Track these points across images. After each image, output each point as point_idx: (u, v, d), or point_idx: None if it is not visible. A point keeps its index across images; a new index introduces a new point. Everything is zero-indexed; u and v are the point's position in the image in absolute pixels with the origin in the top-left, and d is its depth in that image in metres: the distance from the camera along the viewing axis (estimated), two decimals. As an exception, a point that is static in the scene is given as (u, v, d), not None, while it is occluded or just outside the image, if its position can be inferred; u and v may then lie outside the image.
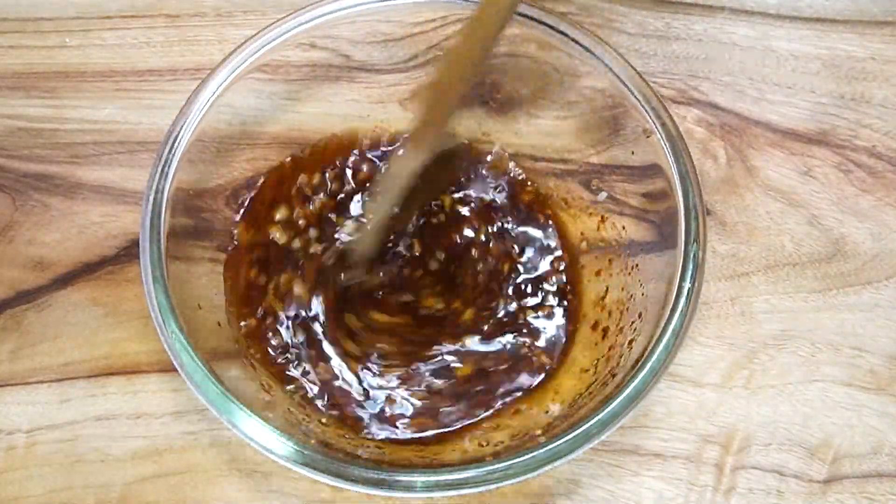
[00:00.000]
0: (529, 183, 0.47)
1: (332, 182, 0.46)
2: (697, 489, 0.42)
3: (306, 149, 0.46)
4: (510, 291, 0.45)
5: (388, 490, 0.33)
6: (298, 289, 0.43)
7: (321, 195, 0.46)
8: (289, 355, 0.42)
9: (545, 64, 0.44)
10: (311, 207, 0.45)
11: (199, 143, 0.39)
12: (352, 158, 0.46)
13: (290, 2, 0.44)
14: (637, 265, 0.42)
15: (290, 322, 0.43)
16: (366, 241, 0.43)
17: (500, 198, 0.47)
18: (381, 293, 0.45)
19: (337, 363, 0.42)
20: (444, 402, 0.42)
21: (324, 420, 0.42)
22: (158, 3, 0.53)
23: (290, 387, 0.42)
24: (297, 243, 0.45)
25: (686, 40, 0.53)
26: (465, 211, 0.46)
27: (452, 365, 0.43)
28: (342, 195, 0.46)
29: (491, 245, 0.46)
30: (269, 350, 0.42)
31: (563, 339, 0.44)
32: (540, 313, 0.44)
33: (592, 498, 0.42)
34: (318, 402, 0.42)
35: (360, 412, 0.42)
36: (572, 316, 0.44)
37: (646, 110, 0.39)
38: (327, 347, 0.42)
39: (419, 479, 0.33)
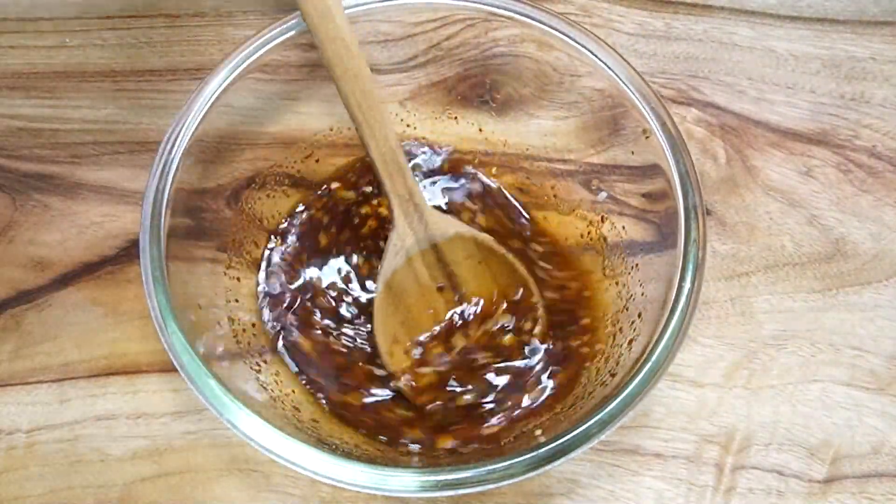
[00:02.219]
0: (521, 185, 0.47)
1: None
2: (697, 489, 0.42)
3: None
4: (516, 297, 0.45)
5: (389, 489, 0.33)
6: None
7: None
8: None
9: (545, 64, 0.44)
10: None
11: (199, 143, 0.39)
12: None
13: (290, 2, 0.44)
14: (637, 265, 0.42)
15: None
16: None
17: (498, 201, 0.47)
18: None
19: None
20: (453, 412, 0.42)
21: (326, 422, 0.42)
22: (158, 3, 0.53)
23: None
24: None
25: (686, 40, 0.53)
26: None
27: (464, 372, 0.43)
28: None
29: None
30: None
31: (565, 340, 0.44)
32: (543, 314, 0.44)
33: (592, 498, 0.42)
34: (322, 402, 0.42)
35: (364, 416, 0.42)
36: (573, 316, 0.44)
37: (645, 110, 0.39)
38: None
39: (419, 478, 0.33)
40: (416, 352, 0.43)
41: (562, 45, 0.41)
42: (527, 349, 0.43)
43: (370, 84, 0.37)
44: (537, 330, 0.43)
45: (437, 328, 0.43)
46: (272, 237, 0.45)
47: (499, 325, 0.43)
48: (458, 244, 0.43)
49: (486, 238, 0.43)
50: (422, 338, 0.43)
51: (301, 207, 0.46)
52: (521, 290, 0.43)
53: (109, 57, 0.52)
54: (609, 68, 0.40)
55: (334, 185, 0.47)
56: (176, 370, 0.34)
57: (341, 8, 0.35)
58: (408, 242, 0.42)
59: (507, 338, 0.43)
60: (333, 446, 0.38)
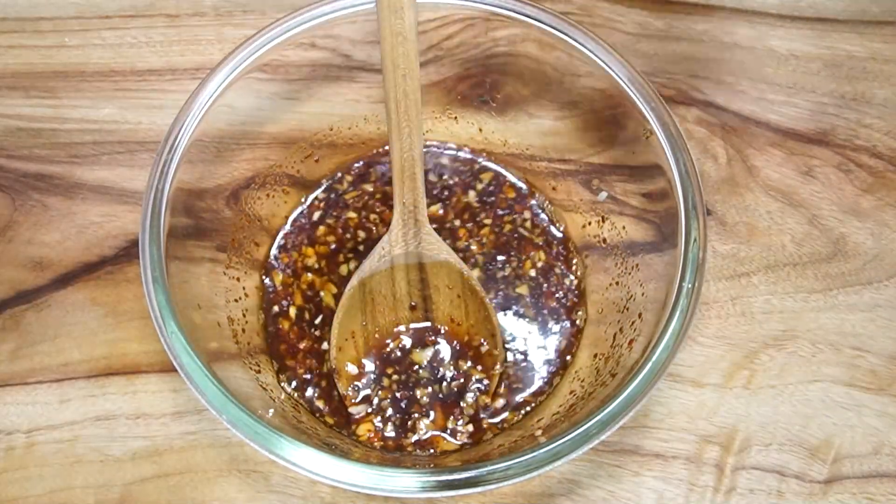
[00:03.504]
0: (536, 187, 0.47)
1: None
2: (698, 489, 0.42)
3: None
4: (521, 293, 0.45)
5: (389, 490, 0.33)
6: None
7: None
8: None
9: (545, 64, 0.44)
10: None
11: (199, 143, 0.39)
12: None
13: (290, 2, 0.44)
14: (637, 265, 0.42)
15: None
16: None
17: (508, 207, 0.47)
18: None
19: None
20: (450, 411, 0.42)
21: (326, 420, 0.42)
22: (158, 3, 0.53)
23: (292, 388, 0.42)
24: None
25: (686, 40, 0.53)
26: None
27: (459, 379, 0.43)
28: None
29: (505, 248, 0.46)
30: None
31: (566, 340, 0.44)
32: (545, 314, 0.44)
33: (592, 498, 0.42)
34: (319, 403, 0.42)
35: (363, 415, 0.42)
36: (575, 316, 0.44)
37: (646, 110, 0.39)
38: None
39: (419, 478, 0.33)
40: (366, 361, 0.43)
41: (562, 45, 0.41)
42: (467, 399, 0.42)
43: (415, 89, 0.37)
44: (486, 385, 0.43)
45: (394, 346, 0.43)
46: (276, 239, 0.46)
47: (451, 371, 0.43)
48: (444, 271, 0.42)
49: (472, 276, 0.43)
50: (375, 350, 0.43)
51: (302, 208, 0.47)
52: (487, 341, 0.43)
53: (109, 57, 0.52)
54: (609, 68, 0.40)
55: (336, 186, 0.47)
56: (176, 370, 0.34)
57: (414, 7, 0.34)
58: (396, 251, 0.41)
59: (453, 383, 0.43)
60: (333, 446, 0.38)
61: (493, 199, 0.47)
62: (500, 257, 0.45)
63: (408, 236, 0.41)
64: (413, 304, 0.43)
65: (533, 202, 0.47)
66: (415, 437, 0.41)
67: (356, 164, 0.48)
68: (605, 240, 0.45)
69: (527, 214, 0.47)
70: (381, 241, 0.41)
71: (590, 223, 0.46)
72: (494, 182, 0.48)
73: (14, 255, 0.47)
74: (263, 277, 0.45)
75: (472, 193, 0.47)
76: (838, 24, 0.53)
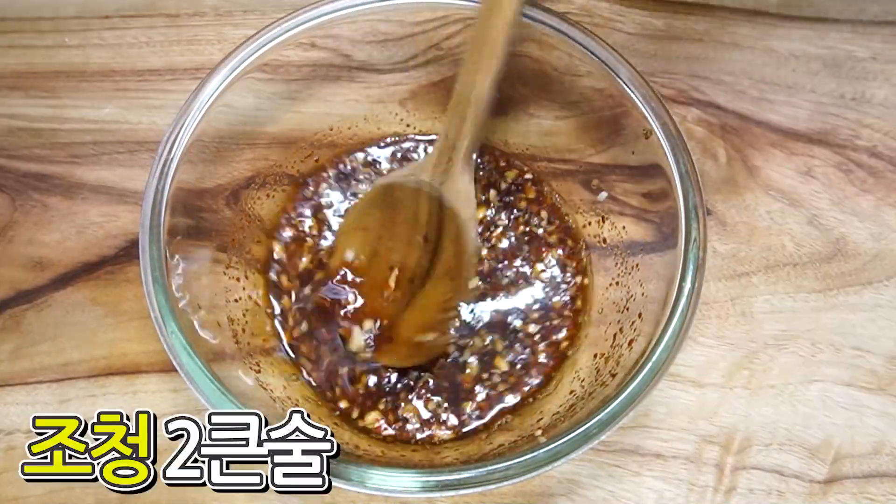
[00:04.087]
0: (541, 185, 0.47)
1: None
2: (698, 489, 0.42)
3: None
4: (519, 292, 0.45)
5: (389, 489, 0.33)
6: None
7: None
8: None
9: (545, 64, 0.44)
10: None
11: (199, 143, 0.39)
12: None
13: (290, 2, 0.44)
14: (637, 265, 0.42)
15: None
16: None
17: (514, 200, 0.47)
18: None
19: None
20: (451, 406, 0.42)
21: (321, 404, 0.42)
22: (158, 3, 0.53)
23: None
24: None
25: (686, 40, 0.53)
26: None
27: (460, 369, 0.43)
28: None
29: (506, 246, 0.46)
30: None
31: (565, 340, 0.44)
32: (544, 313, 0.44)
33: (592, 498, 0.42)
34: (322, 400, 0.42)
35: (362, 410, 0.42)
36: (574, 316, 0.44)
37: (646, 110, 0.39)
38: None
39: (419, 478, 0.33)
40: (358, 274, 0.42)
41: (562, 45, 0.41)
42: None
43: (502, 29, 0.36)
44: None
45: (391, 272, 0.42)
46: (276, 236, 0.46)
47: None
48: (453, 220, 0.42)
49: (469, 238, 0.42)
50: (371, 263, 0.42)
51: (301, 205, 0.47)
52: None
53: (109, 57, 0.52)
54: (609, 68, 0.40)
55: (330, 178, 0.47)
56: (176, 370, 0.34)
57: None
58: (422, 177, 0.41)
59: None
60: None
61: (511, 198, 0.47)
62: (508, 257, 0.45)
63: (438, 168, 0.41)
64: (426, 235, 0.42)
65: (550, 202, 0.47)
66: (420, 407, 0.41)
67: (384, 141, 0.47)
68: (605, 240, 0.45)
69: (543, 214, 0.47)
70: (418, 161, 0.41)
71: (590, 223, 0.46)
72: (517, 181, 0.47)
73: (14, 255, 0.47)
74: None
75: (492, 192, 0.47)
76: (838, 24, 0.53)
